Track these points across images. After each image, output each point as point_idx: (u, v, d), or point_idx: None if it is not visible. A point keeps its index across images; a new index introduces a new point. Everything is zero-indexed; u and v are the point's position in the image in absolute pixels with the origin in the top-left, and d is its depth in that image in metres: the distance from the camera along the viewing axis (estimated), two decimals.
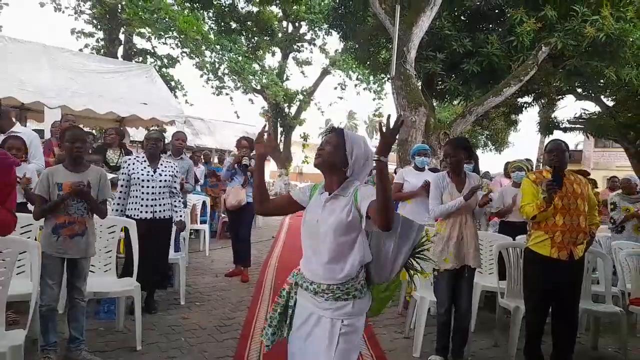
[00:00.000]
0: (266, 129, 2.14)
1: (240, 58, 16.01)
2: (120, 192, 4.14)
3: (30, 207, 4.11)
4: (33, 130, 6.84)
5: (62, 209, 3.01)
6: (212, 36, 15.88)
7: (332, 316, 1.90)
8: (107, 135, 5.82)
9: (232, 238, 6.00)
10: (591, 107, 14.21)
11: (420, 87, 8.53)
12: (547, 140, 20.30)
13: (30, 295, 2.99)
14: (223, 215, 8.51)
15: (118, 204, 4.13)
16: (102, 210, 3.21)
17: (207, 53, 16.00)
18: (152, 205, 4.12)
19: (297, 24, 19.51)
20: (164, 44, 15.85)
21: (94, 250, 3.22)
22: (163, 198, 4.19)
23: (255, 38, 18.71)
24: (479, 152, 24.13)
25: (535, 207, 3.31)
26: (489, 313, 4.69)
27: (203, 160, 9.43)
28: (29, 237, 3.42)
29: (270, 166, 27.56)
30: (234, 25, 18.20)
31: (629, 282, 4.25)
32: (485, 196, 3.56)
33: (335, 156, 1.96)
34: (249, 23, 18.34)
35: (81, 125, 5.80)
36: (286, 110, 19.90)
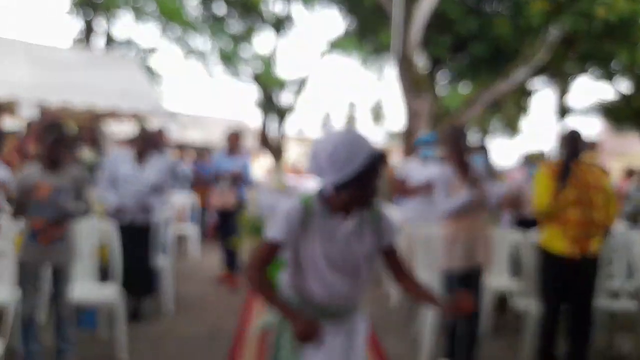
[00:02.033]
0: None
1: (227, 44, 15.95)
2: (105, 184, 4.15)
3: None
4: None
5: (36, 211, 2.99)
6: (194, 20, 15.80)
7: (359, 320, 1.94)
8: (84, 133, 5.82)
9: (220, 241, 5.93)
10: (607, 93, 14.24)
11: (425, 73, 8.52)
12: (561, 125, 20.32)
13: (6, 302, 3.02)
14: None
15: (110, 196, 4.13)
16: (80, 210, 3.16)
17: (193, 38, 15.96)
18: (134, 206, 4.13)
19: (288, 3, 19.36)
20: (145, 32, 15.76)
21: (75, 256, 3.20)
22: (149, 197, 4.19)
23: (246, 23, 18.62)
24: (489, 139, 24.05)
25: (546, 198, 3.30)
26: (501, 313, 4.70)
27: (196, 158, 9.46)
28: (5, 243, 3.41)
29: (265, 160, 27.52)
30: (222, 9, 18.11)
31: None
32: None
33: None
34: (235, 8, 18.23)
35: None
36: (279, 99, 19.84)
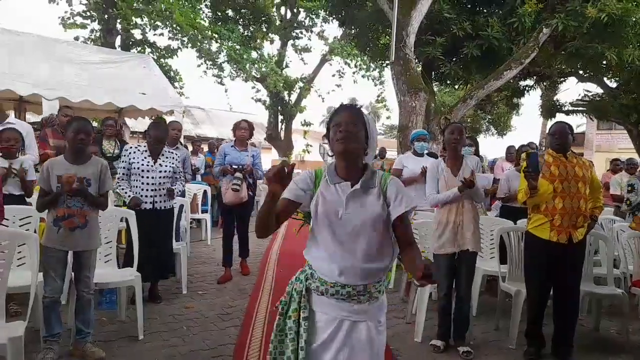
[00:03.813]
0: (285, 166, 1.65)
1: (238, 46, 15.88)
2: (121, 179, 4.11)
3: (28, 199, 4.11)
4: (31, 122, 6.84)
5: (61, 202, 2.99)
6: (206, 24, 15.73)
7: (369, 318, 1.75)
8: (106, 127, 5.78)
9: (225, 236, 5.34)
10: (593, 88, 14.08)
11: (420, 72, 8.44)
12: (549, 123, 20.20)
13: (30, 286, 3.02)
14: None
15: (125, 190, 4.07)
16: (101, 204, 3.18)
17: (205, 41, 15.87)
18: (152, 196, 4.11)
19: (295, 10, 19.28)
20: (160, 34, 15.73)
21: (98, 243, 3.20)
22: (164, 188, 4.16)
23: (253, 27, 18.53)
24: (481, 136, 24.07)
25: (523, 193, 3.32)
26: (490, 297, 4.69)
27: (207, 150, 9.43)
28: (27, 229, 3.43)
29: (272, 154, 27.54)
30: (230, 13, 18.02)
31: (631, 264, 4.24)
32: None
33: (362, 138, 1.77)
34: (244, 11, 18.13)
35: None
36: (286, 98, 19.76)
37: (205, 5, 17.48)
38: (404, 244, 1.77)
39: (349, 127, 1.73)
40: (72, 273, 3.15)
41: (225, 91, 21.10)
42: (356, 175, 1.77)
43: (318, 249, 1.78)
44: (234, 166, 5.01)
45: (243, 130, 5.15)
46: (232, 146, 5.19)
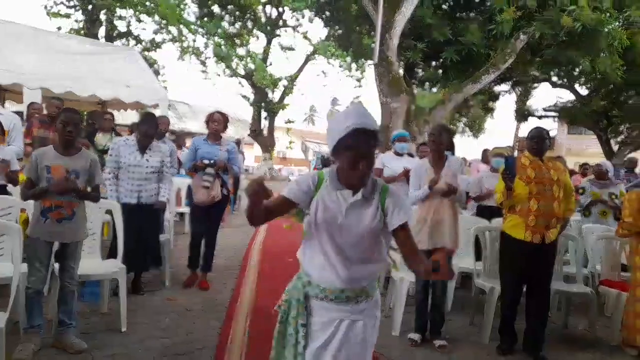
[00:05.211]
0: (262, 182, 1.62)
1: (222, 43, 15.72)
2: (110, 174, 4.03)
3: (11, 188, 4.00)
4: (13, 112, 6.63)
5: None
6: (192, 18, 15.52)
7: (366, 316, 1.78)
8: (104, 121, 5.67)
9: (193, 237, 4.70)
10: (566, 95, 14.43)
11: (402, 75, 8.51)
12: (522, 127, 20.61)
13: (9, 278, 2.93)
14: None
15: (111, 189, 3.99)
16: (92, 197, 3.11)
17: (190, 37, 15.68)
18: (137, 191, 4.04)
19: (280, 9, 19.18)
20: (142, 29, 15.46)
21: (84, 234, 3.13)
22: (150, 183, 4.09)
23: (239, 23, 18.38)
24: (457, 137, 24.41)
25: (500, 194, 3.40)
26: (465, 293, 4.77)
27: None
28: (9, 220, 3.33)
29: (254, 150, 27.40)
30: (216, 9, 17.82)
31: (598, 264, 4.35)
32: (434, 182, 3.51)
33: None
34: (230, 7, 17.95)
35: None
36: (270, 95, 19.68)
37: (192, 0, 17.24)
38: (406, 252, 1.78)
39: (369, 159, 1.68)
40: (56, 264, 3.07)
41: (214, 84, 21.02)
42: (358, 184, 1.73)
43: (316, 256, 1.76)
44: (204, 161, 4.46)
45: (216, 123, 4.53)
46: (204, 140, 4.61)
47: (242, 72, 17.54)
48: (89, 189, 3.08)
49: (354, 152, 1.65)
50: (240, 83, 18.55)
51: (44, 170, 2.90)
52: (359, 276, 1.74)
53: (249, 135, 21.23)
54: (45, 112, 5.26)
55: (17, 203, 3.52)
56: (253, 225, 1.77)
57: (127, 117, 9.86)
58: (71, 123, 2.93)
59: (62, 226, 2.94)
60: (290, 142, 21.34)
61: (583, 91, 13.33)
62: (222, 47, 15.81)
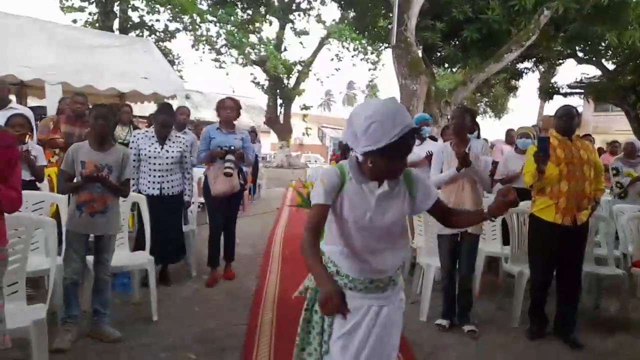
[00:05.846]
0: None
1: (235, 31, 15.70)
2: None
3: (39, 184, 4.12)
4: (34, 106, 6.78)
5: (84, 187, 3.04)
6: (205, 7, 15.50)
7: (392, 302, 1.81)
8: (122, 114, 5.76)
9: (212, 232, 4.59)
10: (592, 70, 14.06)
11: (420, 56, 8.40)
12: (546, 105, 20.19)
13: (44, 270, 3.09)
14: None
15: (132, 183, 4.08)
16: (122, 192, 3.22)
17: (204, 26, 15.69)
18: (159, 182, 4.11)
19: None
20: (157, 20, 15.50)
21: (118, 228, 3.27)
22: (171, 174, 4.16)
23: (251, 10, 18.29)
24: (478, 119, 24.07)
25: (530, 176, 3.34)
26: (491, 277, 4.75)
27: None
28: (40, 214, 3.44)
29: (271, 138, 27.45)
30: None
31: (630, 245, 4.29)
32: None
33: None
34: None
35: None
36: (285, 81, 19.61)
37: None
38: (446, 214, 1.88)
39: (407, 149, 1.66)
40: (90, 257, 3.19)
41: (227, 74, 21.09)
42: (392, 179, 1.72)
43: (344, 248, 1.74)
44: (225, 148, 4.31)
45: (228, 110, 4.37)
46: (217, 128, 4.43)
47: (256, 60, 17.50)
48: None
49: (402, 155, 1.65)
50: (252, 73, 18.59)
51: (79, 165, 3.03)
52: (388, 265, 1.77)
53: (264, 123, 21.27)
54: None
55: (47, 197, 3.63)
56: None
57: (144, 110, 9.97)
58: (100, 118, 3.04)
59: (95, 220, 3.06)
60: (307, 129, 21.29)
61: (610, 66, 12.95)
62: (235, 34, 15.80)
